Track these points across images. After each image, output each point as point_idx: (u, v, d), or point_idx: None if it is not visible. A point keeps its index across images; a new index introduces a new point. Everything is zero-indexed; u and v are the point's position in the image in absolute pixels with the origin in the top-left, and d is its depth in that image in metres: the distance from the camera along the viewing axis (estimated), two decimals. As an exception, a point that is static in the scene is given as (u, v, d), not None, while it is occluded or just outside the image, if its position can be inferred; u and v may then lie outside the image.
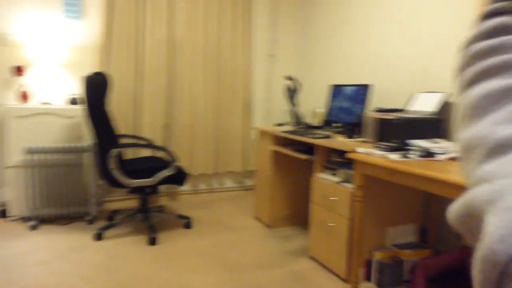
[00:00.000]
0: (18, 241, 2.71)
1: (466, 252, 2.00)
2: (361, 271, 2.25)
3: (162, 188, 3.81)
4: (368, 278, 2.27)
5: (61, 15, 3.29)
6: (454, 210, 0.27)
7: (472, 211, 0.24)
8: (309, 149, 2.78)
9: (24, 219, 3.06)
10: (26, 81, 3.18)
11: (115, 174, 2.68)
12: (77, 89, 3.38)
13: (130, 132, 3.52)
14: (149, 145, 3.36)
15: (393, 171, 1.80)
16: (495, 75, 0.33)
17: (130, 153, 3.55)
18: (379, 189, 2.27)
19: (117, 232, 2.93)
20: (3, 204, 3.13)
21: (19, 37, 3.18)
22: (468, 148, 0.31)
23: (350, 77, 3.35)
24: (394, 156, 1.90)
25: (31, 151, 2.92)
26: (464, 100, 0.35)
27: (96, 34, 3.42)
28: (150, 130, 3.57)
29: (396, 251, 2.24)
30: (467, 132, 0.32)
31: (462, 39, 2.34)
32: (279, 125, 3.85)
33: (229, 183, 4.14)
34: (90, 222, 3.09)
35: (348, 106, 2.94)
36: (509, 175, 0.25)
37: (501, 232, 0.21)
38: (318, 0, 3.82)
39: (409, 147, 2.06)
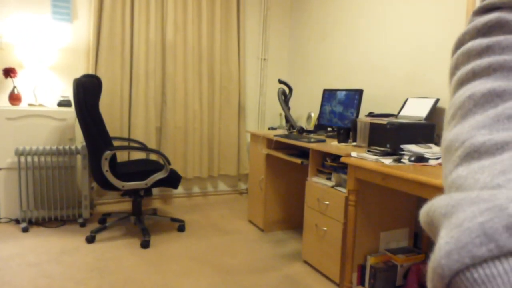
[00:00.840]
0: (10, 243, 2.68)
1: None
2: (355, 276, 2.26)
3: (156, 191, 3.79)
4: (361, 283, 2.27)
5: (51, 17, 3.27)
6: (422, 215, 0.27)
7: (433, 221, 0.25)
8: (302, 153, 2.78)
9: (16, 221, 3.04)
10: (17, 83, 3.16)
11: (108, 176, 2.67)
12: (68, 91, 3.36)
13: (122, 135, 3.50)
14: (143, 147, 3.34)
15: (386, 176, 1.80)
16: (485, 76, 0.32)
17: (123, 156, 3.54)
18: (373, 193, 2.28)
19: (109, 235, 2.91)
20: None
21: (9, 39, 3.15)
22: (449, 150, 0.31)
23: (342, 82, 3.36)
24: (387, 161, 1.91)
25: (18, 153, 2.90)
26: (453, 99, 0.34)
27: (86, 36, 3.41)
28: (143, 133, 3.56)
29: (389, 256, 2.25)
30: (450, 133, 0.32)
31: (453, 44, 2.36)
32: (272, 128, 3.86)
33: (223, 186, 4.13)
34: (82, 224, 3.07)
35: (340, 111, 2.95)
36: (476, 183, 0.25)
37: (448, 248, 0.22)
38: (308, 5, 3.84)
39: (401, 152, 2.07)
